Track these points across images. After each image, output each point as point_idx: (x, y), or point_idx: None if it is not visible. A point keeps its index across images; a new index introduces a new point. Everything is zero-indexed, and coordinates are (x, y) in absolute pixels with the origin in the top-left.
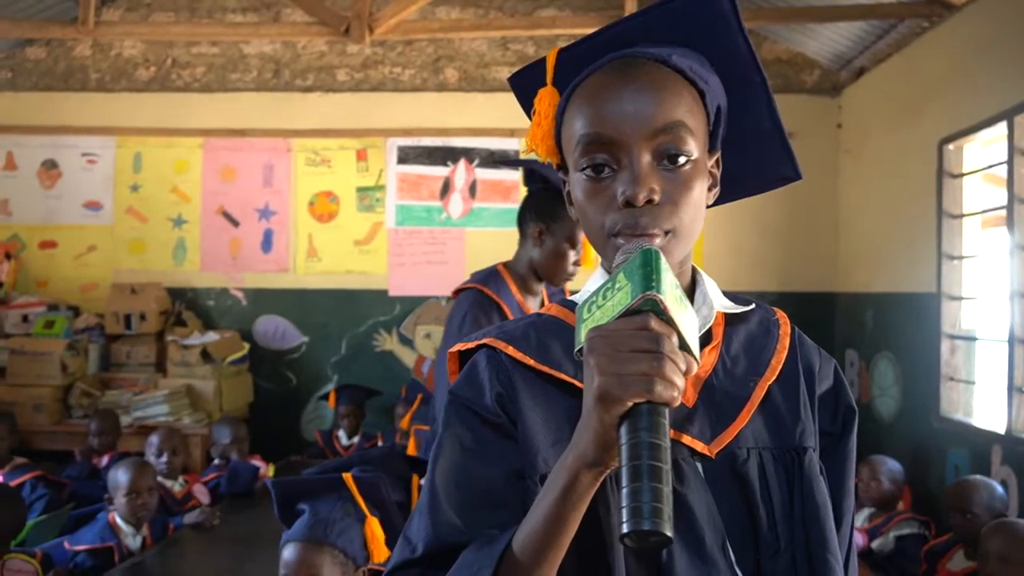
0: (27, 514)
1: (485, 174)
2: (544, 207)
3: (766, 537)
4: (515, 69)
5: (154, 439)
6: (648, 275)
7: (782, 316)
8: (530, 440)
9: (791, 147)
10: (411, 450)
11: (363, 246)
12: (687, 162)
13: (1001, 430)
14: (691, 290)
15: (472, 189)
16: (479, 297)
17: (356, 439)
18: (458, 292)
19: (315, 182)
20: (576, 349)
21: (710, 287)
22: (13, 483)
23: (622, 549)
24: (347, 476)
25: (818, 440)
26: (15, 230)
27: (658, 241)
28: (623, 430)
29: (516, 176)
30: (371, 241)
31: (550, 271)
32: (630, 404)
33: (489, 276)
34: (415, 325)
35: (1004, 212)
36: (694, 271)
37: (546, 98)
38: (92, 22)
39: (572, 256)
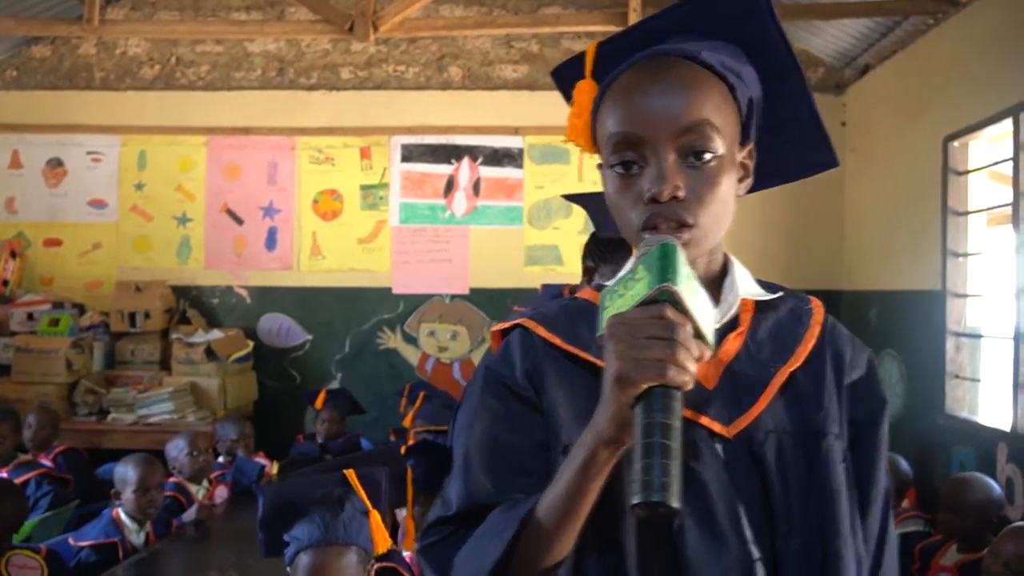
0: (28, 507)
1: (489, 172)
2: (598, 249)
3: (780, 519)
4: (519, 67)
5: (181, 442)
6: (665, 267)
7: (816, 305)
8: (555, 414)
9: (827, 134)
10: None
11: (367, 244)
12: (712, 158)
13: (1007, 428)
14: (721, 277)
15: (476, 187)
16: None
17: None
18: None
19: (319, 180)
20: (598, 334)
21: (740, 274)
22: (18, 480)
23: (634, 523)
24: (349, 472)
25: (845, 428)
26: (20, 228)
27: (685, 235)
28: (638, 410)
29: (520, 175)
30: (375, 239)
31: None
32: (645, 387)
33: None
34: (419, 323)
35: (1010, 209)
36: (726, 258)
37: (585, 90)
38: (97, 20)
39: None
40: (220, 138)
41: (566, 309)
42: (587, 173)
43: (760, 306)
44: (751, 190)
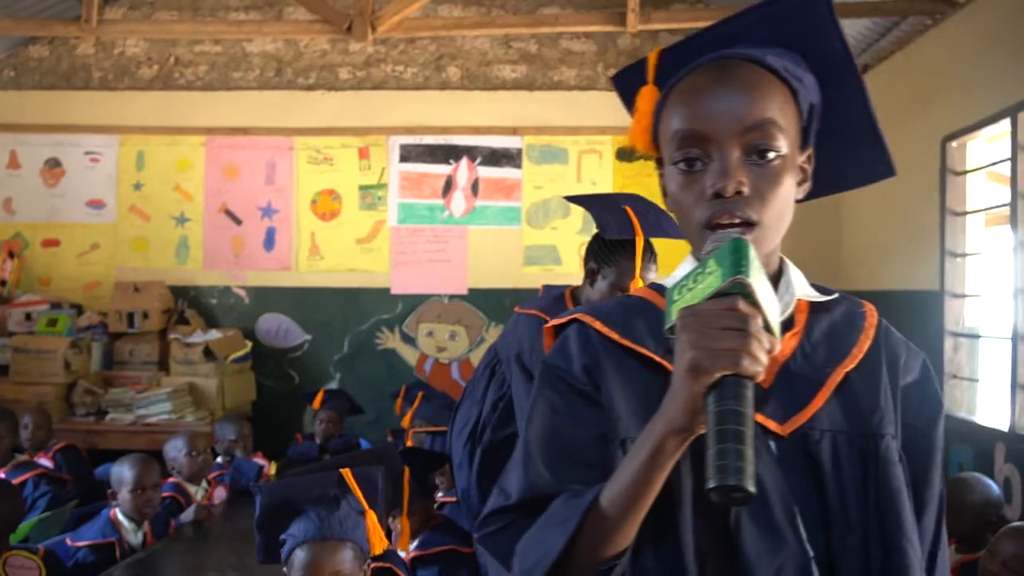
0: (24, 507)
1: (487, 172)
2: (602, 251)
3: (836, 517)
4: (517, 67)
5: (179, 442)
6: (738, 261)
7: (870, 309)
8: (612, 407)
9: (886, 144)
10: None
11: (365, 244)
12: (776, 157)
13: (1004, 427)
14: (776, 278)
15: (474, 187)
16: (541, 324)
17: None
18: (520, 311)
19: (317, 180)
20: (667, 327)
21: (795, 276)
22: (16, 481)
23: (691, 517)
24: (345, 472)
25: (900, 430)
26: (18, 228)
27: (750, 236)
28: (710, 399)
29: (518, 175)
30: (373, 239)
31: None
32: (718, 376)
33: (555, 302)
34: (417, 323)
35: (1008, 209)
36: (781, 260)
37: (647, 96)
38: (95, 20)
39: None
40: (218, 138)
41: (622, 305)
42: (585, 173)
43: (815, 308)
44: (807, 197)
